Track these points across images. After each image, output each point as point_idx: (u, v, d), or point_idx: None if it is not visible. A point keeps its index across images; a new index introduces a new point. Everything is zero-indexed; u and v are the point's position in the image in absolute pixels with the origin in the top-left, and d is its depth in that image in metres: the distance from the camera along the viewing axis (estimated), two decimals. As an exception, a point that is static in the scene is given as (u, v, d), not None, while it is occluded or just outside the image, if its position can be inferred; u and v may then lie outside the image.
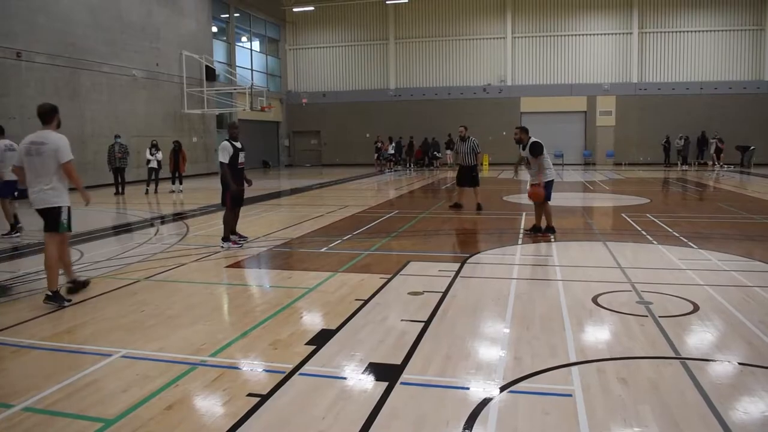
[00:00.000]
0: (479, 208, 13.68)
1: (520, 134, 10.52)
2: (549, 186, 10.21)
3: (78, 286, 6.75)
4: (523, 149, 10.43)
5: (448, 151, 34.75)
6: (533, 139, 10.27)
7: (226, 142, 9.27)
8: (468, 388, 4.03)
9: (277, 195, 19.63)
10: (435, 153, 35.22)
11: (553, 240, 9.73)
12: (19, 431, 3.54)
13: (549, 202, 10.26)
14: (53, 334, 5.33)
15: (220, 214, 13.84)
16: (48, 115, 6.42)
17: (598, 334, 5.15)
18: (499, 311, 5.80)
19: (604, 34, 35.38)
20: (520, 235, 10.23)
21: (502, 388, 4.00)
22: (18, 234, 10.79)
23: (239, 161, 9.32)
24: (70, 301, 6.33)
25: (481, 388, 4.01)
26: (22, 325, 5.63)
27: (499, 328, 5.34)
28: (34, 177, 6.34)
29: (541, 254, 8.77)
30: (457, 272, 7.43)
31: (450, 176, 26.99)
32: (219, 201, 9.81)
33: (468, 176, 14.08)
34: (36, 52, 20.52)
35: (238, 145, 9.35)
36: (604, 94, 35.33)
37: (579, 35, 35.69)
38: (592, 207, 15.53)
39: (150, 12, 26.56)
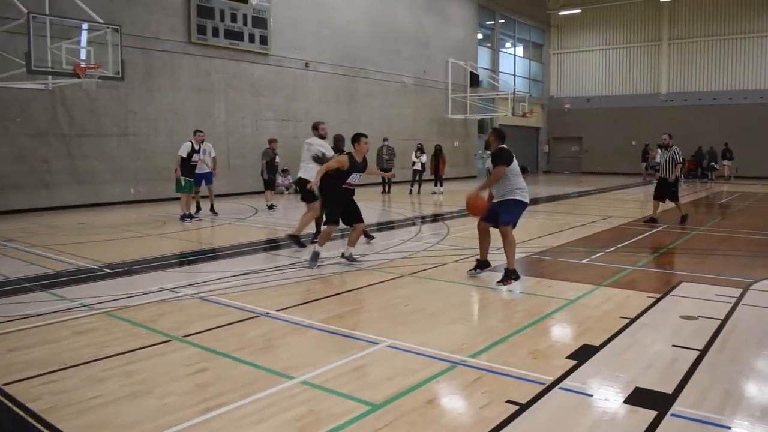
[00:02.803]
0: (684, 220, 12.92)
1: (489, 137, 7.80)
2: (513, 207, 7.46)
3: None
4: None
5: (726, 162, 31.24)
6: (502, 146, 7.64)
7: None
8: (753, 432, 3.55)
9: (534, 201, 19.37)
10: (712, 164, 31.81)
11: (506, 287, 7.17)
12: (297, 402, 3.91)
13: (511, 228, 7.45)
14: (327, 318, 5.83)
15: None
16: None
17: None
18: (793, 349, 5.04)
19: None
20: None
21: (798, 439, 3.46)
22: (196, 218, 13.46)
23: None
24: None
25: (770, 435, 3.51)
26: (298, 307, 6.27)
27: (793, 368, 4.65)
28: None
29: None
30: (739, 299, 6.61)
31: (726, 190, 24.33)
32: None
33: (666, 189, 13.09)
34: (320, 62, 22.83)
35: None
36: None
37: None
38: None
39: (421, 22, 27.99)
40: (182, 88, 18.38)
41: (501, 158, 7.43)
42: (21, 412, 3.77)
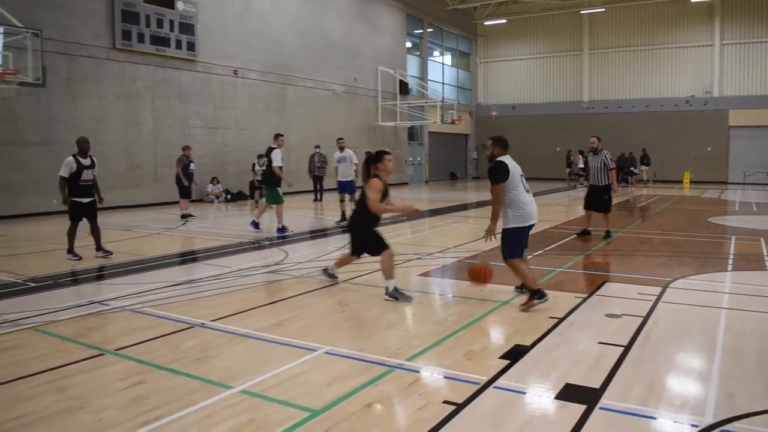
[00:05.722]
0: (608, 235, 11.56)
1: (492, 148, 7.02)
2: (511, 236, 6.56)
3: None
4: None
5: (644, 167, 32.78)
6: (500, 158, 6.86)
7: (70, 158, 9.72)
8: (674, 422, 3.77)
9: (464, 207, 19.78)
10: (631, 169, 33.26)
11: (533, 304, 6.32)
12: (236, 411, 3.90)
13: (517, 260, 6.52)
14: (264, 326, 5.81)
15: (410, 224, 14.25)
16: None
17: (829, 378, 4.58)
18: (708, 342, 5.36)
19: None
20: (730, 261, 9.38)
21: (714, 426, 3.69)
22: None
23: (82, 178, 9.72)
24: None
25: (688, 423, 3.73)
26: (234, 316, 6.21)
27: (707, 360, 4.94)
28: None
29: (755, 284, 7.94)
30: (659, 297, 6.98)
31: (646, 194, 25.47)
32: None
33: (598, 198, 11.80)
34: (250, 70, 22.63)
35: (86, 162, 9.76)
36: (833, 105, 31.26)
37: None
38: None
39: (350, 30, 28.16)
40: (107, 95, 17.85)
41: (494, 174, 6.61)
42: (-56, 434, 3.62)
